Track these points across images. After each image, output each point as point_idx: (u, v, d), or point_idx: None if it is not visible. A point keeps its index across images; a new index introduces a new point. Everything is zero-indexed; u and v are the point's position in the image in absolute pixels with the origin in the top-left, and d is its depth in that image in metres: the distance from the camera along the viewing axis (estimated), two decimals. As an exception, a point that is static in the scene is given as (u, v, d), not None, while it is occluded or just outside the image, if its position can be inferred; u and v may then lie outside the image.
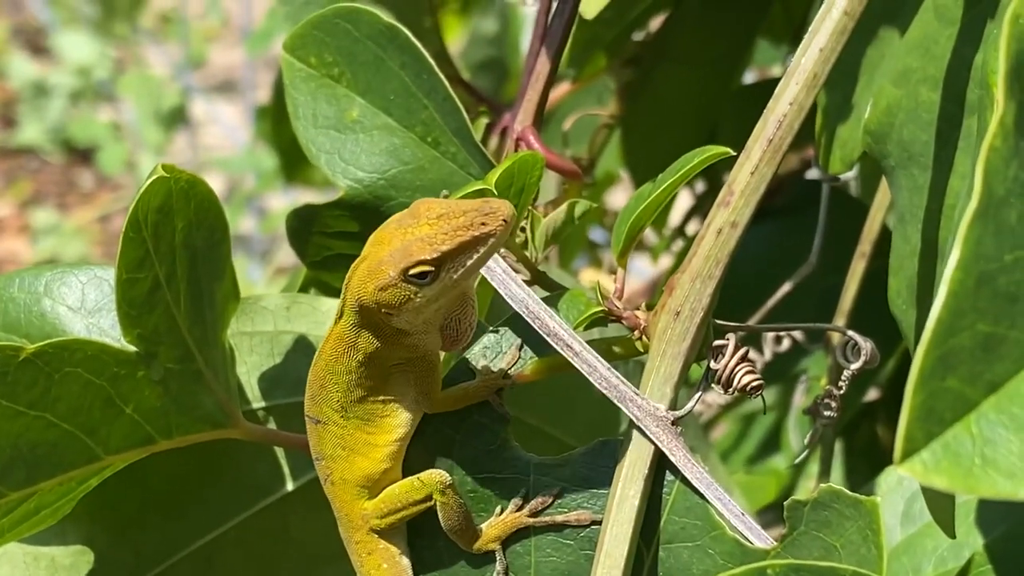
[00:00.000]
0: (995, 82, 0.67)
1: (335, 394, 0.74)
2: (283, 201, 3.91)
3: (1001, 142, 0.53)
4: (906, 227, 0.80)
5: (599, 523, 0.74)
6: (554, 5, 0.97)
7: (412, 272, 0.69)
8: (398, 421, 0.75)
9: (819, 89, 0.74)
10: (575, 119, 1.15)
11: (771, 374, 1.20)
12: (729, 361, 0.74)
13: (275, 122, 2.08)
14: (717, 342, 0.74)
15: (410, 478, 0.75)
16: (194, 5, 4.83)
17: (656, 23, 1.18)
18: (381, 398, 0.75)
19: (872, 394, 1.31)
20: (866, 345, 0.78)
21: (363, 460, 0.75)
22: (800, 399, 1.36)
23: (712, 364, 0.75)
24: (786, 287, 1.08)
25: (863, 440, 1.30)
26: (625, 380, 0.73)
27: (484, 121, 1.02)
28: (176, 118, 4.45)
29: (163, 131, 4.42)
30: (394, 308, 0.70)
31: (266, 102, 2.94)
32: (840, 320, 1.04)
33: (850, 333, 0.79)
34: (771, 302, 1.08)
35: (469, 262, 0.69)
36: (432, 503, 0.74)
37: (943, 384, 0.51)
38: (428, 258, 0.69)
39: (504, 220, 0.69)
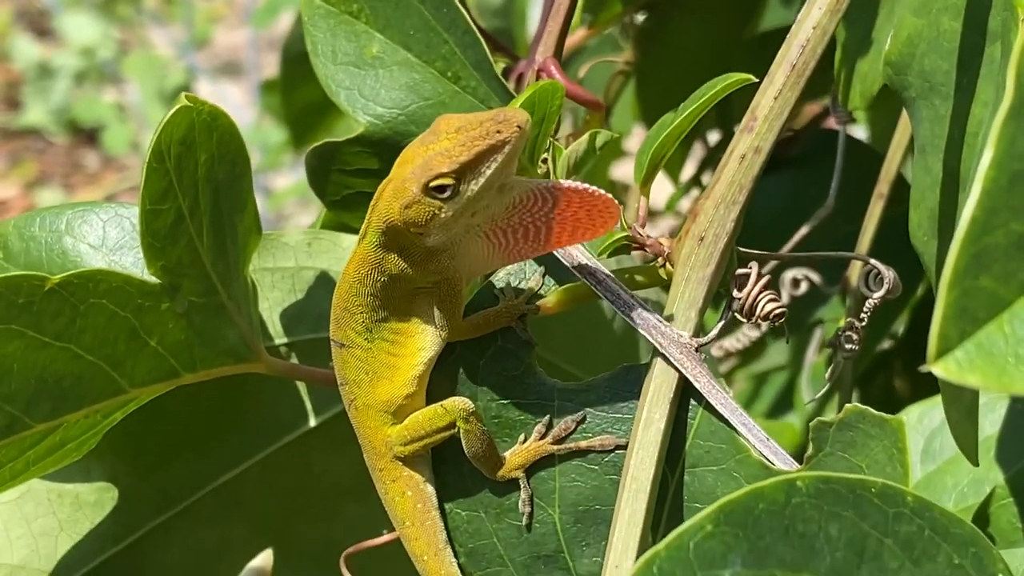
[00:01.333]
0: (1021, 2, 0.68)
1: (359, 316, 0.74)
2: (289, 179, 3.90)
3: (1033, 45, 0.53)
4: (927, 158, 0.80)
5: (624, 447, 0.74)
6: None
7: (433, 186, 0.69)
8: (422, 344, 0.75)
9: (842, 13, 0.74)
10: (591, 65, 1.15)
11: (788, 324, 1.20)
12: (752, 289, 0.74)
13: (284, 90, 2.07)
14: (740, 271, 0.74)
15: (433, 405, 0.75)
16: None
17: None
18: (405, 321, 0.75)
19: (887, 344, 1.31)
20: (888, 274, 0.79)
21: (387, 384, 0.75)
22: (813, 356, 1.36)
23: (735, 293, 0.75)
24: (804, 229, 1.08)
25: (879, 390, 1.30)
26: (649, 307, 0.73)
27: (501, 66, 1.01)
28: (181, 98, 4.44)
29: (168, 110, 4.41)
30: (421, 226, 0.70)
31: (271, 78, 2.95)
32: (858, 263, 1.04)
33: (872, 261, 0.79)
34: (790, 244, 1.08)
35: (489, 171, 0.69)
36: (456, 430, 0.74)
37: (977, 283, 0.51)
38: (447, 170, 0.69)
39: (518, 126, 0.69)
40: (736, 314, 0.75)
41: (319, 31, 0.85)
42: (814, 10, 0.73)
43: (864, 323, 0.82)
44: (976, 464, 0.78)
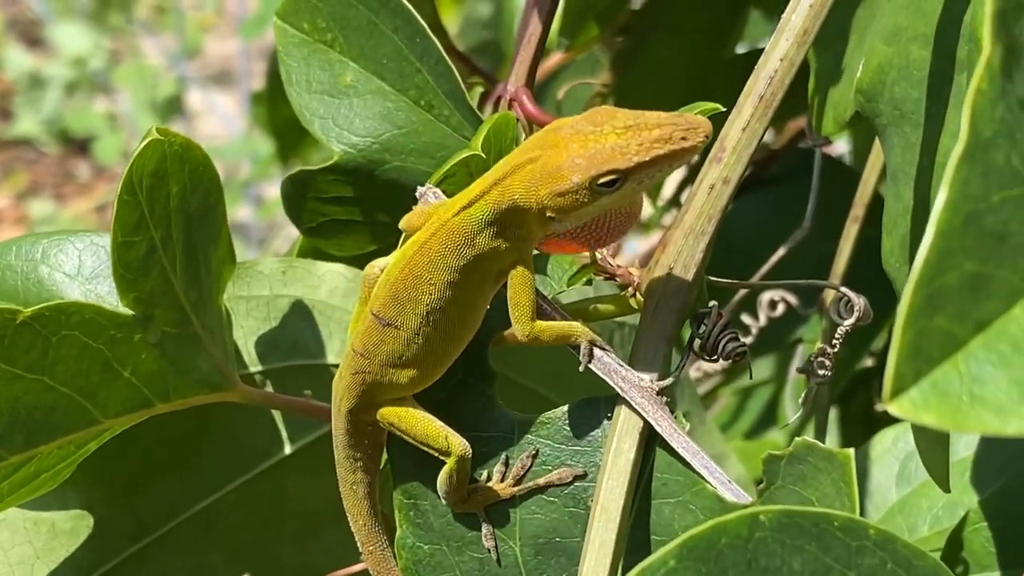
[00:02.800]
0: (982, 34, 0.68)
1: (425, 295, 0.72)
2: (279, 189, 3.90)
3: (988, 84, 0.54)
4: (898, 185, 0.80)
5: (582, 478, 0.74)
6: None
7: (602, 180, 0.68)
8: (466, 334, 0.74)
9: (809, 45, 0.75)
10: (568, 88, 1.16)
11: (767, 343, 1.21)
12: (712, 328, 0.74)
13: (270, 105, 2.08)
14: (700, 310, 0.75)
15: (441, 427, 0.74)
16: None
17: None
18: (466, 307, 0.73)
19: (867, 363, 1.31)
20: (859, 301, 0.79)
21: (415, 371, 0.74)
22: (795, 372, 1.37)
23: (695, 331, 0.75)
24: (781, 251, 1.08)
25: (858, 408, 1.31)
26: (610, 350, 0.73)
27: (479, 91, 1.02)
28: (172, 108, 4.45)
29: (159, 121, 4.42)
30: (562, 212, 0.70)
31: (261, 90, 2.95)
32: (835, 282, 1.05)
33: (843, 289, 0.79)
34: (767, 266, 1.08)
35: (658, 174, 0.69)
36: (441, 459, 0.74)
37: (931, 323, 0.51)
38: (622, 168, 0.68)
39: (706, 135, 0.69)
40: (696, 353, 0.75)
41: (293, 60, 0.86)
42: (781, 41, 0.74)
43: (836, 349, 0.82)
44: (948, 491, 0.79)
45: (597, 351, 0.73)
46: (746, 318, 1.09)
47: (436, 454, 0.74)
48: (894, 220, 0.81)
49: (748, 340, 1.01)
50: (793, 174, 1.23)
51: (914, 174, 0.79)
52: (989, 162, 0.53)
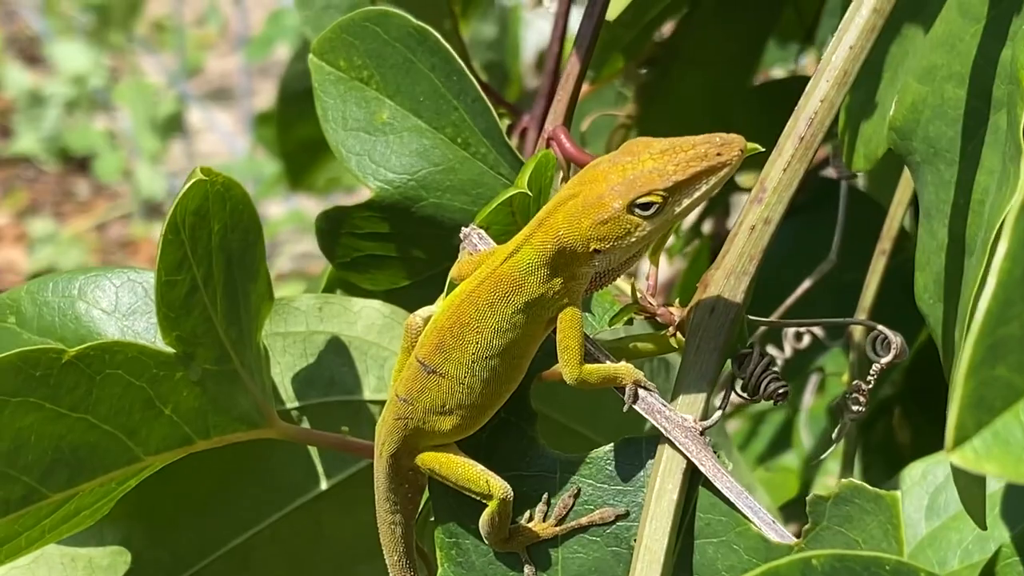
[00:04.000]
0: (1026, 76, 0.69)
1: (472, 344, 0.72)
2: (282, 208, 3.91)
3: (1046, 135, 0.54)
4: (932, 222, 0.81)
5: (624, 517, 0.74)
6: (574, 8, 0.99)
7: (641, 202, 0.69)
8: (512, 385, 0.74)
9: (849, 87, 0.75)
10: (593, 119, 1.16)
11: (787, 372, 1.21)
12: (755, 369, 0.75)
13: (280, 128, 2.08)
14: (742, 351, 0.75)
15: (481, 471, 0.74)
16: (189, 13, 4.84)
17: (671, 25, 1.19)
18: (513, 355, 0.73)
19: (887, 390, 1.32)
20: (896, 339, 0.79)
21: (458, 420, 0.74)
22: (811, 397, 1.37)
23: (737, 372, 0.75)
24: (807, 283, 1.09)
25: (879, 436, 1.31)
26: (654, 390, 0.74)
27: (505, 123, 1.02)
28: (172, 126, 4.45)
29: (159, 139, 4.42)
30: (608, 242, 0.70)
31: (265, 108, 2.96)
32: (861, 316, 1.05)
33: (880, 327, 0.80)
34: (792, 298, 1.09)
35: (696, 194, 0.69)
36: (483, 502, 0.74)
37: (993, 372, 0.51)
38: (661, 187, 0.68)
39: (740, 150, 0.69)
40: (739, 393, 0.76)
41: (329, 97, 0.86)
42: (821, 83, 0.74)
43: (871, 385, 0.83)
44: (984, 528, 0.79)
45: (641, 391, 0.73)
46: (771, 349, 1.09)
47: (478, 497, 0.74)
48: (927, 257, 0.81)
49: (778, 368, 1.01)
50: (816, 203, 1.23)
51: (949, 212, 0.80)
52: (1047, 212, 0.53)
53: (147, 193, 4.51)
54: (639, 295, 0.77)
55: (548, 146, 0.85)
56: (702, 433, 0.72)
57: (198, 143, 4.78)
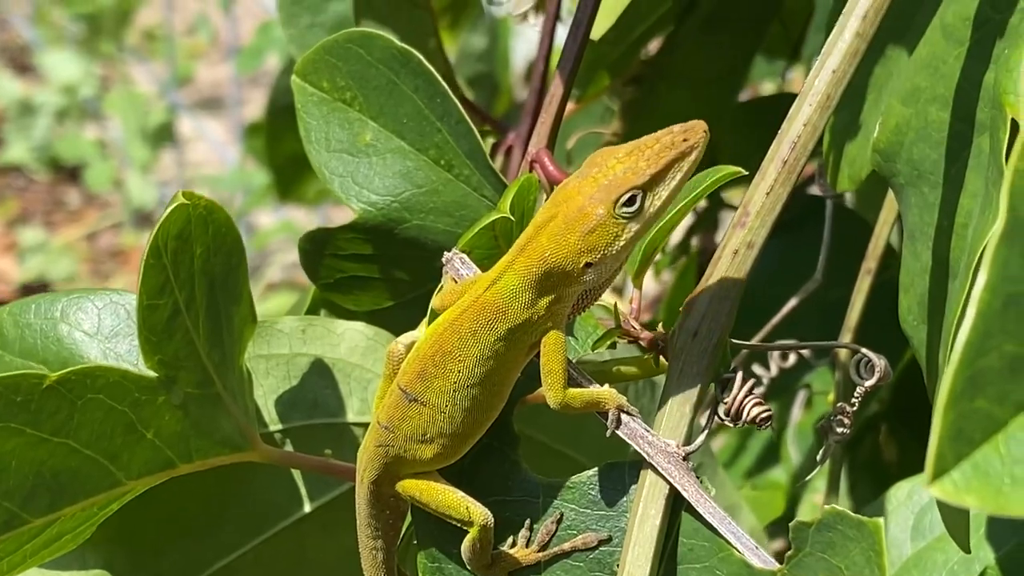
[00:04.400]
0: (1010, 102, 0.68)
1: (454, 373, 0.72)
2: (272, 218, 3.91)
3: (1024, 164, 0.54)
4: (916, 244, 0.81)
5: (607, 542, 0.74)
6: (559, 26, 0.98)
7: (624, 201, 0.69)
8: (494, 413, 0.74)
9: (832, 111, 0.75)
10: (579, 137, 1.16)
11: (774, 389, 1.21)
12: (738, 395, 0.74)
13: (269, 140, 2.07)
14: (725, 375, 0.75)
15: (462, 497, 0.74)
16: (179, 22, 4.84)
17: (657, 43, 1.19)
18: (495, 383, 0.73)
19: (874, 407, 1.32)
20: (880, 362, 0.79)
21: (439, 448, 0.74)
22: (799, 412, 1.37)
23: (720, 396, 0.75)
24: (792, 302, 1.09)
25: (866, 454, 1.31)
26: (637, 415, 0.73)
27: (490, 141, 1.02)
28: (163, 135, 4.45)
29: (150, 148, 4.42)
30: (598, 252, 0.70)
31: (255, 118, 2.96)
32: (847, 336, 1.05)
33: (864, 351, 0.80)
34: (777, 317, 1.09)
35: (673, 182, 0.70)
36: (464, 528, 0.74)
37: (972, 405, 0.51)
38: (639, 183, 0.69)
39: (704, 131, 0.70)
40: (721, 418, 0.76)
41: (312, 118, 0.86)
42: (804, 106, 0.74)
43: (855, 408, 0.83)
44: (968, 551, 0.79)
45: (624, 417, 0.73)
46: (757, 367, 1.09)
47: (458, 524, 0.74)
48: (911, 279, 0.81)
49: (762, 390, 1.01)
50: (801, 221, 1.23)
51: (933, 234, 0.80)
52: (1028, 243, 0.53)
53: (138, 202, 4.50)
54: (622, 319, 0.76)
55: (531, 169, 0.85)
56: (685, 458, 0.72)
57: (189, 152, 4.77)
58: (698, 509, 0.72)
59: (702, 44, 1.17)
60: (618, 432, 0.73)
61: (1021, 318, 0.52)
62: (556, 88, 0.86)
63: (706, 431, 0.74)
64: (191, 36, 5.02)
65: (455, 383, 0.72)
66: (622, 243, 0.70)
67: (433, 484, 0.75)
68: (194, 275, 0.77)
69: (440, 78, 0.82)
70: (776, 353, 1.07)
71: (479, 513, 0.73)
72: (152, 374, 0.77)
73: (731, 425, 0.75)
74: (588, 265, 0.70)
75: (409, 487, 0.75)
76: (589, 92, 1.14)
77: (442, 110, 0.83)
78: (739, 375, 0.75)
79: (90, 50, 4.78)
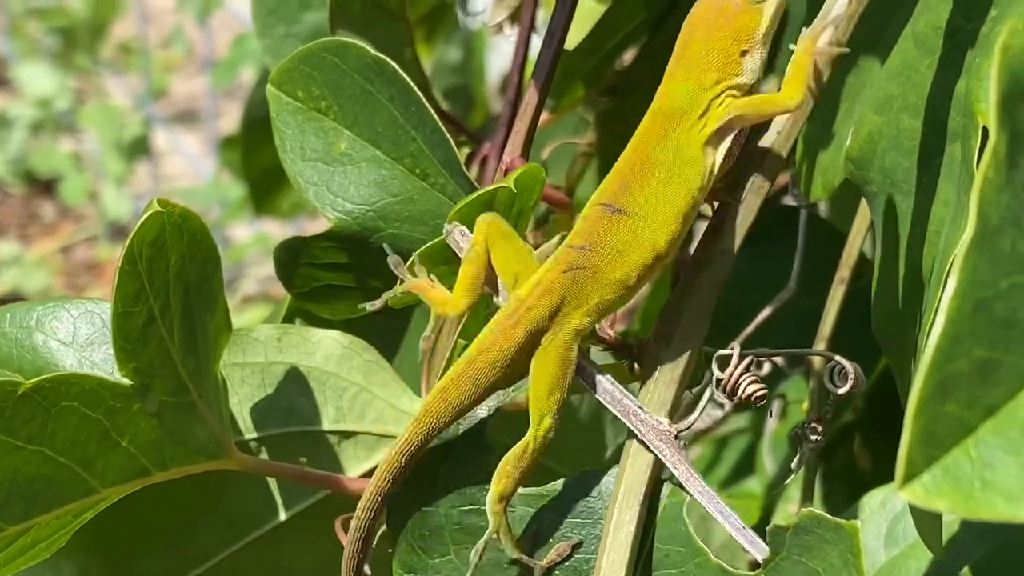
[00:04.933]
0: (981, 111, 0.69)
1: (655, 178, 0.73)
2: (248, 231, 3.90)
3: (994, 172, 0.54)
4: (888, 253, 0.81)
5: (579, 547, 0.74)
6: (535, 36, 0.99)
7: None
8: (688, 224, 0.74)
9: (804, 120, 0.76)
10: (553, 147, 1.16)
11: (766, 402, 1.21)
12: (734, 371, 0.75)
13: (245, 152, 2.07)
14: (722, 352, 0.75)
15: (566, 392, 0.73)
16: (155, 35, 4.83)
17: (632, 54, 1.19)
18: (680, 183, 0.73)
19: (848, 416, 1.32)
20: (853, 370, 0.79)
21: (635, 268, 0.73)
22: (774, 422, 1.38)
23: (717, 373, 0.75)
24: (767, 312, 1.09)
25: (840, 463, 1.31)
26: (629, 394, 0.74)
27: (465, 151, 1.02)
28: (138, 149, 4.44)
29: (125, 162, 4.41)
30: (747, 37, 0.74)
31: (231, 131, 2.95)
32: (821, 344, 1.05)
33: (837, 358, 0.80)
34: (751, 327, 1.09)
35: None
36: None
37: (942, 409, 0.52)
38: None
39: None
40: (718, 394, 0.76)
41: (287, 127, 0.86)
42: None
43: (828, 415, 0.83)
44: (939, 555, 0.80)
45: (618, 394, 0.73)
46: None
47: (536, 415, 0.73)
48: (884, 288, 0.82)
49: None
50: (776, 229, 1.24)
51: (905, 242, 0.80)
52: (997, 248, 0.54)
53: (113, 215, 4.49)
54: (597, 327, 0.77)
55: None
56: (676, 436, 0.72)
57: (164, 165, 4.76)
58: (687, 488, 0.72)
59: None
60: (608, 405, 0.73)
61: (991, 323, 0.53)
62: (531, 97, 0.86)
63: (702, 405, 0.74)
64: (166, 49, 5.00)
65: (657, 189, 0.73)
66: (765, 24, 0.74)
67: (562, 359, 0.73)
68: (169, 283, 0.77)
69: (415, 87, 0.83)
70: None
71: (557, 418, 0.73)
72: (127, 382, 0.77)
73: (727, 400, 0.75)
74: (744, 53, 0.74)
75: (552, 345, 0.73)
76: (563, 102, 1.15)
77: (417, 119, 0.83)
78: (737, 351, 0.75)
79: (65, 63, 4.77)
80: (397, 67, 0.83)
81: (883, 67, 0.83)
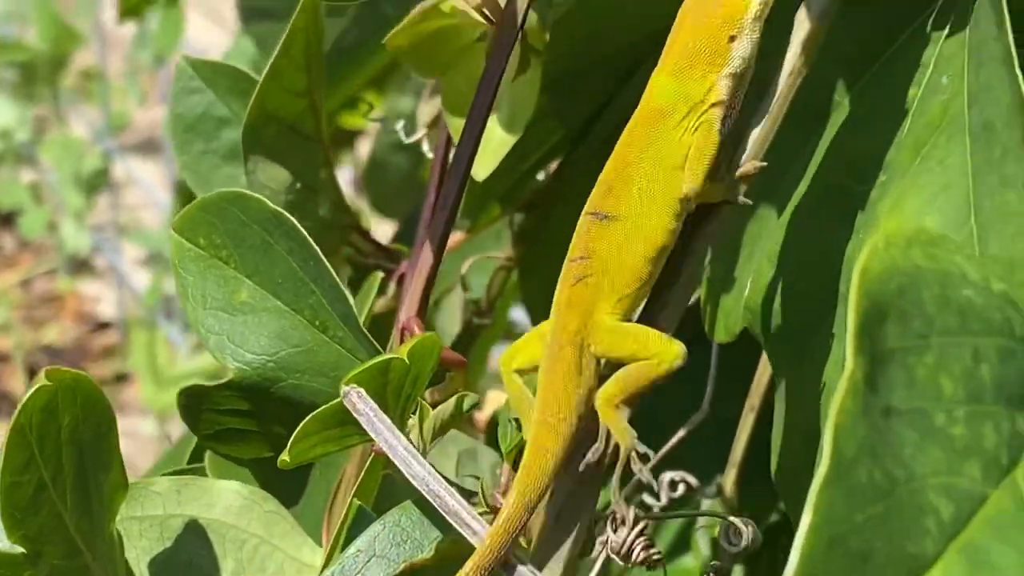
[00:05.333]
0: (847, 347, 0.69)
1: (638, 179, 0.74)
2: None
3: (851, 402, 0.55)
4: (784, 409, 0.82)
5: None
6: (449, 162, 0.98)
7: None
8: (681, 220, 0.74)
9: (707, 262, 0.77)
10: (471, 262, 1.16)
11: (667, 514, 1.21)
12: (628, 535, 0.75)
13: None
14: (615, 510, 0.75)
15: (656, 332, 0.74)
16: (117, 62, 4.81)
17: (553, 166, 1.19)
18: (669, 182, 0.73)
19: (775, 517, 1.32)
20: (747, 530, 0.80)
21: (637, 267, 0.73)
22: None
23: (610, 533, 0.75)
24: (681, 433, 1.09)
25: (763, 570, 1.31)
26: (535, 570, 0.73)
27: (379, 275, 1.02)
28: (98, 181, 4.42)
29: (84, 194, 4.40)
30: (735, 23, 0.73)
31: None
32: (732, 471, 1.06)
33: (731, 519, 0.80)
34: (665, 448, 1.09)
35: None
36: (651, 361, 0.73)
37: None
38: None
39: None
40: (611, 554, 0.76)
41: (189, 274, 0.86)
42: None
43: (728, 571, 0.83)
44: None
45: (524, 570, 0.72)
46: (647, 498, 1.10)
47: (652, 359, 0.73)
48: (780, 442, 0.82)
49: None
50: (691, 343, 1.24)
51: (798, 403, 0.81)
52: (852, 482, 0.54)
53: (72, 248, 4.48)
54: (488, 494, 0.77)
55: (403, 338, 0.85)
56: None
57: (123, 195, 4.75)
58: None
59: (598, 168, 1.18)
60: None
61: (846, 558, 0.53)
62: (424, 257, 0.86)
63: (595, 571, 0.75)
64: (127, 80, 4.99)
65: (639, 189, 0.73)
66: (754, 9, 0.72)
67: (624, 324, 0.74)
68: (61, 446, 0.77)
69: (312, 241, 0.82)
70: (666, 482, 1.08)
71: (678, 345, 0.73)
72: (18, 549, 0.77)
73: (620, 562, 0.75)
74: (732, 39, 0.73)
75: (603, 332, 0.73)
76: (480, 222, 1.15)
77: (315, 273, 0.83)
78: (631, 515, 0.75)
79: (26, 95, 4.75)
80: (295, 222, 0.83)
81: (778, 219, 0.84)
